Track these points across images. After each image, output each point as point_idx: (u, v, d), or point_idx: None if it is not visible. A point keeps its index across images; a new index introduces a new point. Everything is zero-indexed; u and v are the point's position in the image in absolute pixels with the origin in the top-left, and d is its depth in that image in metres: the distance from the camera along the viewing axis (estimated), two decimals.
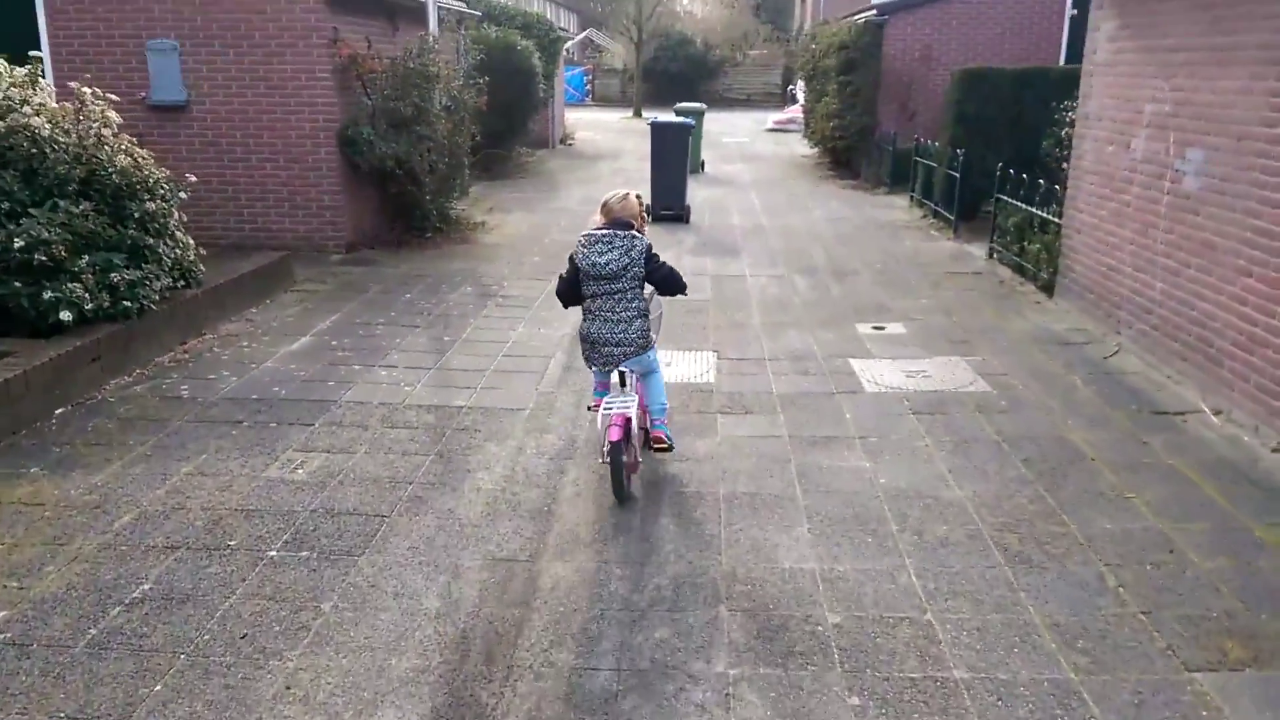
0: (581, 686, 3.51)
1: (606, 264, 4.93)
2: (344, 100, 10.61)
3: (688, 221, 13.28)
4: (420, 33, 11.58)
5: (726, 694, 3.46)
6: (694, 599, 4.06)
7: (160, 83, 10.34)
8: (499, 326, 8.26)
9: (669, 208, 13.35)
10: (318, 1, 10.06)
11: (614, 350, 4.98)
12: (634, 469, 5.09)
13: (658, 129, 13.23)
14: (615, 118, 34.80)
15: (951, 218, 12.23)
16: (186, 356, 7.26)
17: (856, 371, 6.97)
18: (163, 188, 7.39)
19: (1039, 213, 9.27)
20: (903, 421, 6.05)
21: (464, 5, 14.64)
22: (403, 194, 11.52)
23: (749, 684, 3.51)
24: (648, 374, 5.20)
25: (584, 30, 52.11)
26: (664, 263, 5.09)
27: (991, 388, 6.62)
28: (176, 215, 7.68)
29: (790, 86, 35.88)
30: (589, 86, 44.13)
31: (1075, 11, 16.01)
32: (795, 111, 28.89)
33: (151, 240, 7.21)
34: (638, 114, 35.31)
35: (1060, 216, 8.76)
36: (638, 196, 5.25)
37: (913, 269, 10.36)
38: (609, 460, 4.78)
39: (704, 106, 19.14)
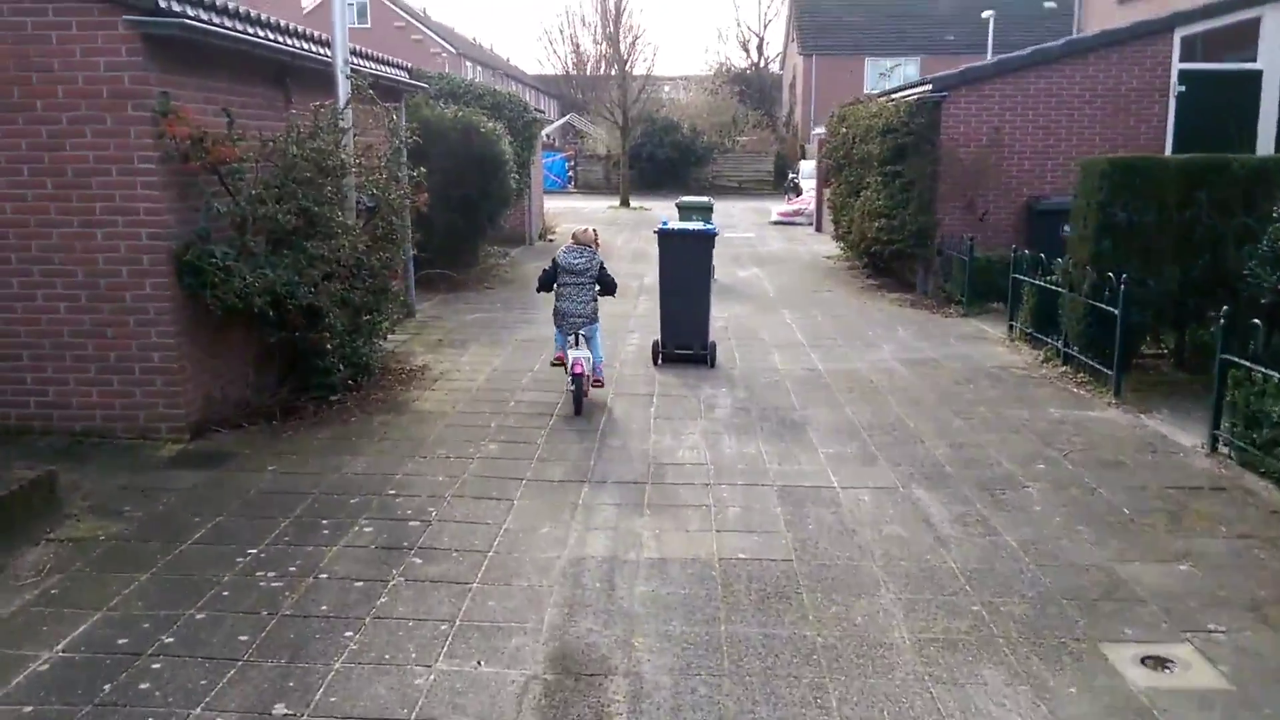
0: None
1: (578, 264, 7.78)
2: (184, 205, 6.52)
3: (713, 364, 9.23)
4: (321, 104, 7.59)
5: None
6: None
7: None
8: (400, 650, 4.06)
9: (685, 346, 9.31)
10: (134, 53, 6.06)
11: (577, 319, 7.76)
12: (587, 393, 7.62)
13: (669, 240, 9.25)
14: (600, 206, 31.19)
15: (1097, 366, 8.26)
16: None
17: None
18: None
19: None
20: None
21: (403, 74, 10.79)
22: (291, 341, 7.40)
23: None
24: (592, 336, 7.86)
25: (564, 115, 49.26)
26: (607, 272, 8.01)
27: None
28: None
29: (790, 175, 32.51)
30: (571, 174, 40.81)
31: (1184, 88, 12.42)
32: (802, 202, 25.36)
33: None
34: (625, 203, 31.78)
35: None
36: (594, 230, 8.09)
37: (1102, 474, 6.26)
38: (573, 386, 7.53)
39: (710, 201, 15.32)
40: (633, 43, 33.71)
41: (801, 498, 5.85)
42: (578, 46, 41.64)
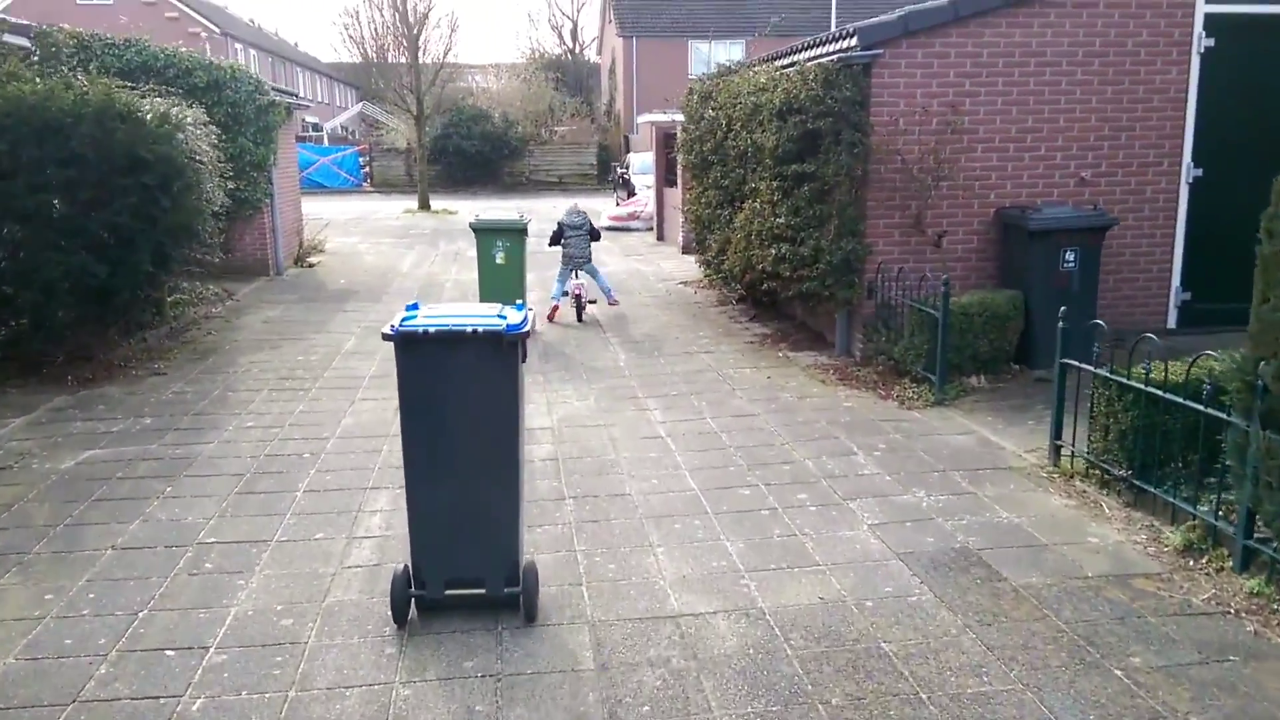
0: None
1: (577, 221, 10.34)
2: None
3: (531, 618, 3.96)
4: None
5: None
6: None
7: None
8: None
9: (468, 581, 3.96)
10: None
11: (580, 259, 10.25)
12: (584, 308, 10.22)
13: (415, 354, 3.81)
14: (396, 210, 25.08)
15: None
16: None
17: None
18: None
19: None
20: None
21: None
22: None
23: None
24: (594, 272, 10.52)
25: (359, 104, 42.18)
26: (595, 227, 10.65)
27: None
28: None
29: (617, 169, 27.42)
30: (365, 170, 34.17)
31: (1213, 42, 8.17)
32: (638, 204, 20.30)
33: None
34: (424, 205, 25.78)
35: None
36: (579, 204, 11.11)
37: None
38: (575, 305, 10.09)
39: (525, 220, 10.03)
40: (424, 16, 27.48)
41: None
42: (375, 29, 34.70)
